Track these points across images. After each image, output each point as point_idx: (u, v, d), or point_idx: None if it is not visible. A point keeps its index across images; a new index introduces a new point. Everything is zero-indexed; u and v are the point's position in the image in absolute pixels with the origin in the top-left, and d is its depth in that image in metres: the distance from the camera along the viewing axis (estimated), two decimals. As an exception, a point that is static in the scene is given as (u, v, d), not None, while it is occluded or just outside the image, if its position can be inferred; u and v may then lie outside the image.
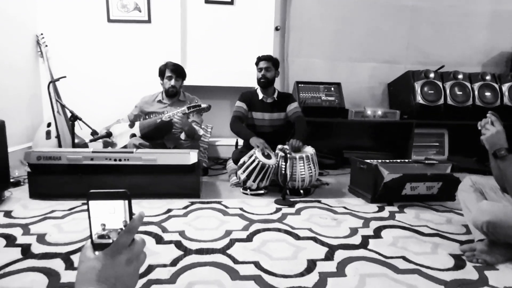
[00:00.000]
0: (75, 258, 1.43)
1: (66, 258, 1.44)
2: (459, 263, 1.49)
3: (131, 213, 0.59)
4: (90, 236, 0.59)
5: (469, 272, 1.42)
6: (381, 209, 2.20)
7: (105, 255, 0.57)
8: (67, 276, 1.30)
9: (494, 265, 1.47)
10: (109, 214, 0.59)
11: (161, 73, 2.81)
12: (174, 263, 1.42)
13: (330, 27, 3.64)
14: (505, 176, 1.47)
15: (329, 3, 3.59)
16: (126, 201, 0.59)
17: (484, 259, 1.49)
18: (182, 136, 2.68)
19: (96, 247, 0.58)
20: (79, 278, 0.56)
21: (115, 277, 0.56)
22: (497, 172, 1.54)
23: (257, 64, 2.82)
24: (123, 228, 0.59)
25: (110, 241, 0.58)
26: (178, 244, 1.60)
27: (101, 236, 0.59)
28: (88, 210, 0.58)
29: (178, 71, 2.78)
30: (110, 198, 0.59)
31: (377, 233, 1.80)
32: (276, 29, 3.60)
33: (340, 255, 1.54)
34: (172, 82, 2.75)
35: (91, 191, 0.58)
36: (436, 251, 1.62)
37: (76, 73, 3.33)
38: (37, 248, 1.52)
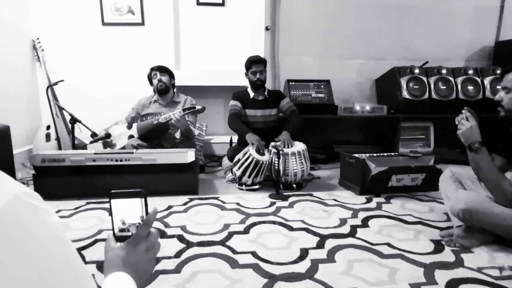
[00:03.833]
0: (86, 253, 1.55)
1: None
2: (438, 248, 1.63)
3: (147, 209, 0.70)
4: (113, 230, 0.70)
5: (447, 255, 1.56)
6: (369, 200, 2.33)
7: (127, 245, 0.68)
8: (80, 270, 1.40)
9: (470, 249, 1.61)
10: (128, 210, 0.70)
11: (149, 79, 2.92)
12: (178, 255, 1.54)
13: (319, 26, 3.74)
14: (478, 167, 1.60)
15: (318, 3, 3.69)
16: (143, 199, 0.70)
17: (461, 243, 1.63)
18: (177, 135, 2.78)
19: (117, 239, 0.69)
20: (107, 265, 0.67)
21: (137, 263, 0.67)
22: (473, 164, 1.67)
23: (249, 67, 2.86)
24: (141, 222, 0.69)
25: (130, 233, 0.69)
26: (181, 238, 1.72)
27: (121, 230, 0.70)
28: (110, 207, 0.69)
29: (160, 67, 2.89)
30: (129, 197, 0.70)
31: (364, 223, 1.94)
32: (267, 29, 3.70)
33: (330, 243, 1.67)
34: (158, 76, 2.84)
35: (113, 191, 0.69)
36: (418, 237, 1.75)
37: (73, 76, 3.39)
38: (48, 246, 1.62)
